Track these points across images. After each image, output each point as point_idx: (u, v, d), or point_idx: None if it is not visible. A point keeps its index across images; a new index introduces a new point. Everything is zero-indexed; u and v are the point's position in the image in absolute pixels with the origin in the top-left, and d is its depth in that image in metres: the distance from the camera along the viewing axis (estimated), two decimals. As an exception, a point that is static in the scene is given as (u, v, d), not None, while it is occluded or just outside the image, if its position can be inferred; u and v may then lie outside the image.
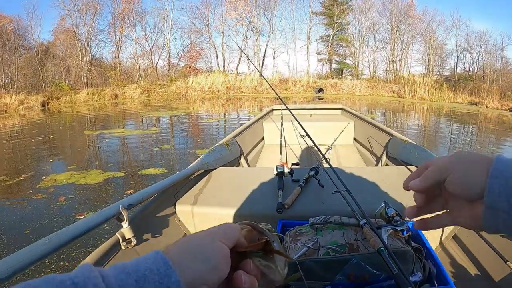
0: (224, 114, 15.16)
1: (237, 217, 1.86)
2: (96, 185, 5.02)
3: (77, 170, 5.77)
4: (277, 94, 2.71)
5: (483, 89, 25.39)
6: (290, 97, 25.19)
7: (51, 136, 10.24)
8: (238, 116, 14.12)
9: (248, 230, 0.52)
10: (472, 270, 1.68)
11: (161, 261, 0.34)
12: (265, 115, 5.66)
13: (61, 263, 3.05)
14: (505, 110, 20.07)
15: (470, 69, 35.32)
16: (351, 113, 5.62)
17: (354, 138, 5.09)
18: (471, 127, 13.20)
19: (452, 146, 8.90)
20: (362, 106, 19.45)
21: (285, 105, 2.67)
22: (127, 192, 4.82)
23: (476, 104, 22.95)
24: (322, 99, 23.75)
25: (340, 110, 6.30)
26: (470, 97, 24.91)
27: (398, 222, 1.36)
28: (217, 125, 11.54)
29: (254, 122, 4.82)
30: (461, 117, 16.17)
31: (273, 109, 6.08)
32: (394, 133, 3.67)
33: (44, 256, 1.04)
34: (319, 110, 6.33)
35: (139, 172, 5.61)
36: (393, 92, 28.05)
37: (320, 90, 28.21)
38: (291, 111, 2.46)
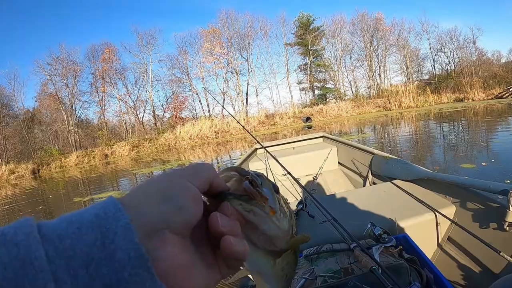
0: (217, 159, 14.96)
1: None
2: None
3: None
4: (250, 134, 2.76)
5: (465, 84, 25.93)
6: (279, 131, 25.17)
7: (40, 207, 10.04)
8: (230, 159, 14.05)
9: (237, 180, 0.43)
10: (472, 267, 1.74)
11: (110, 205, 0.28)
12: (249, 155, 5.67)
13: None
14: (491, 99, 20.43)
15: (448, 67, 36.85)
16: (332, 139, 5.70)
17: (339, 163, 5.15)
18: (461, 124, 13.26)
19: (447, 146, 8.90)
20: (352, 127, 19.48)
21: (261, 144, 2.75)
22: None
23: (462, 100, 23.49)
24: (311, 127, 23.61)
25: (321, 138, 6.37)
26: (454, 95, 25.47)
27: (386, 239, 1.42)
28: None
29: (240, 164, 4.81)
30: (450, 116, 16.23)
31: (256, 148, 6.12)
32: (375, 151, 3.78)
33: None
34: (301, 142, 6.39)
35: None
36: (379, 107, 28.49)
37: (308, 118, 28.46)
38: (267, 148, 2.50)
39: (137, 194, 0.32)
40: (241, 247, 0.34)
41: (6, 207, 10.91)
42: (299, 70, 42.04)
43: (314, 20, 39.78)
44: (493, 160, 6.31)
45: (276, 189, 0.44)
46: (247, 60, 39.11)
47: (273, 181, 0.45)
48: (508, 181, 4.56)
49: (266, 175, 0.44)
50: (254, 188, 0.40)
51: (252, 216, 0.39)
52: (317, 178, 4.27)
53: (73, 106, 35.08)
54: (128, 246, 0.26)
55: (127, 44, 38.53)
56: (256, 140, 2.75)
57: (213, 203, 0.39)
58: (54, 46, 45.93)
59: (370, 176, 3.78)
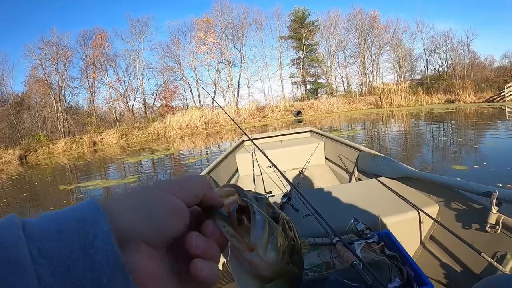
0: (206, 151, 14.72)
1: None
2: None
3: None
4: (238, 126, 2.72)
5: (457, 86, 25.99)
6: (269, 124, 25.08)
7: (25, 194, 9.81)
8: (220, 150, 13.95)
9: (237, 198, 0.40)
10: (453, 267, 1.76)
11: (92, 208, 0.28)
12: (236, 147, 5.65)
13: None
14: (482, 102, 20.53)
15: (440, 69, 37.11)
16: (320, 134, 5.70)
17: (326, 158, 5.14)
18: (452, 125, 13.23)
19: (439, 147, 8.87)
20: (342, 123, 19.41)
21: (248, 136, 2.73)
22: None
23: (453, 102, 23.43)
24: (301, 121, 23.49)
25: (309, 133, 6.36)
26: (445, 96, 25.50)
27: (369, 235, 1.43)
28: (200, 163, 11.12)
29: (226, 156, 4.83)
30: (441, 117, 16.19)
31: (243, 140, 6.11)
32: (362, 148, 3.79)
33: None
34: (289, 135, 6.39)
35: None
36: (370, 104, 28.49)
37: (299, 112, 28.39)
38: (254, 140, 2.50)
39: (118, 200, 0.31)
40: (209, 273, 0.33)
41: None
42: (292, 64, 41.95)
43: (309, 14, 39.66)
44: (484, 163, 6.28)
45: (275, 218, 0.41)
46: (240, 52, 38.94)
47: (278, 210, 0.43)
48: (500, 185, 4.58)
49: (266, 198, 0.41)
50: (239, 214, 0.38)
51: (235, 242, 0.37)
52: (303, 172, 4.31)
53: (63, 91, 34.72)
54: (106, 251, 0.26)
55: (119, 31, 38.24)
56: (243, 132, 2.74)
57: (205, 218, 0.37)
58: (45, 30, 45.34)
59: (356, 172, 3.78)
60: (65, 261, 0.24)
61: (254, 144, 2.41)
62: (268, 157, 4.48)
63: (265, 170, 4.34)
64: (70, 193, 8.85)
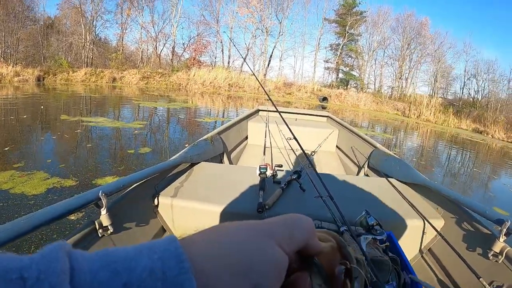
0: (223, 114, 14.38)
1: (217, 213, 1.86)
2: (29, 198, 3.86)
3: (23, 169, 4.81)
4: (266, 94, 2.64)
5: (489, 118, 24.93)
6: (292, 101, 24.74)
7: (24, 116, 9.29)
8: (237, 113, 13.71)
9: (331, 247, 0.34)
10: (447, 284, 1.72)
11: (173, 258, 0.21)
12: (250, 114, 5.64)
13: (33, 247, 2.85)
14: (511, 142, 19.53)
15: (475, 95, 35.73)
16: (336, 122, 5.63)
17: (337, 146, 5.11)
18: (483, 158, 12.23)
19: (449, 171, 8.53)
20: (364, 120, 18.93)
21: (275, 107, 2.62)
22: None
23: (481, 133, 22.47)
24: (325, 108, 22.77)
25: (326, 118, 6.33)
26: (474, 124, 24.51)
27: (378, 232, 1.36)
28: (214, 125, 10.67)
29: (239, 121, 4.82)
30: (467, 144, 15.30)
31: (259, 110, 6.11)
32: (377, 145, 3.72)
33: (20, 235, 1.02)
34: (305, 116, 6.35)
35: (93, 181, 4.63)
36: (397, 110, 27.68)
37: (324, 98, 27.76)
38: (281, 113, 2.43)
39: (208, 251, 0.23)
40: None
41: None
42: (330, 48, 41.03)
43: (359, 3, 38.36)
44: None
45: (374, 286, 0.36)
46: (280, 23, 38.00)
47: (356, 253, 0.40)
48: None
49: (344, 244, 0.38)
50: (348, 275, 0.33)
51: None
52: (311, 155, 4.28)
53: (94, 22, 34.25)
54: None
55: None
56: (273, 103, 2.56)
57: (297, 261, 0.31)
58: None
59: (365, 168, 3.74)
60: None
61: (281, 115, 2.33)
62: (282, 131, 4.51)
63: (272, 143, 4.32)
64: (69, 125, 8.39)
